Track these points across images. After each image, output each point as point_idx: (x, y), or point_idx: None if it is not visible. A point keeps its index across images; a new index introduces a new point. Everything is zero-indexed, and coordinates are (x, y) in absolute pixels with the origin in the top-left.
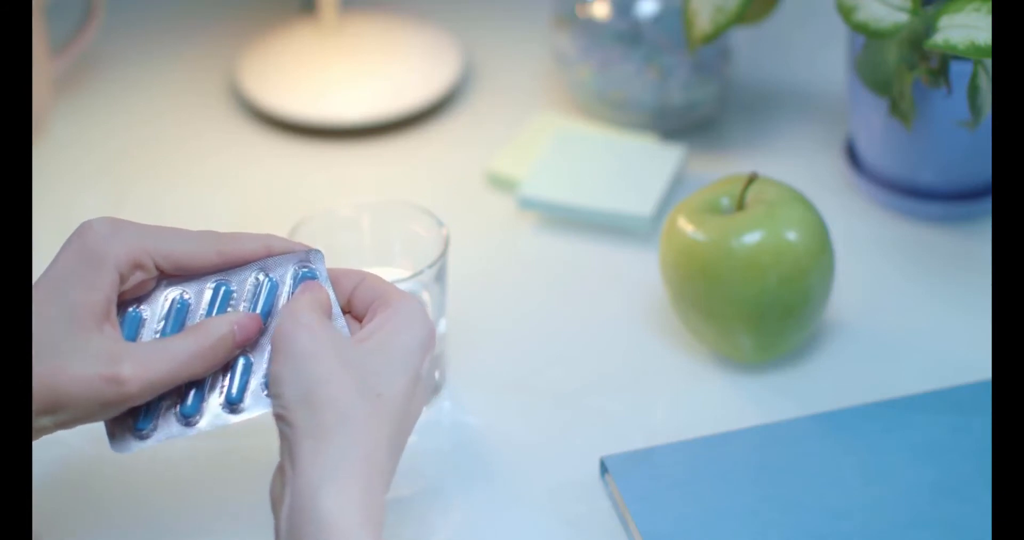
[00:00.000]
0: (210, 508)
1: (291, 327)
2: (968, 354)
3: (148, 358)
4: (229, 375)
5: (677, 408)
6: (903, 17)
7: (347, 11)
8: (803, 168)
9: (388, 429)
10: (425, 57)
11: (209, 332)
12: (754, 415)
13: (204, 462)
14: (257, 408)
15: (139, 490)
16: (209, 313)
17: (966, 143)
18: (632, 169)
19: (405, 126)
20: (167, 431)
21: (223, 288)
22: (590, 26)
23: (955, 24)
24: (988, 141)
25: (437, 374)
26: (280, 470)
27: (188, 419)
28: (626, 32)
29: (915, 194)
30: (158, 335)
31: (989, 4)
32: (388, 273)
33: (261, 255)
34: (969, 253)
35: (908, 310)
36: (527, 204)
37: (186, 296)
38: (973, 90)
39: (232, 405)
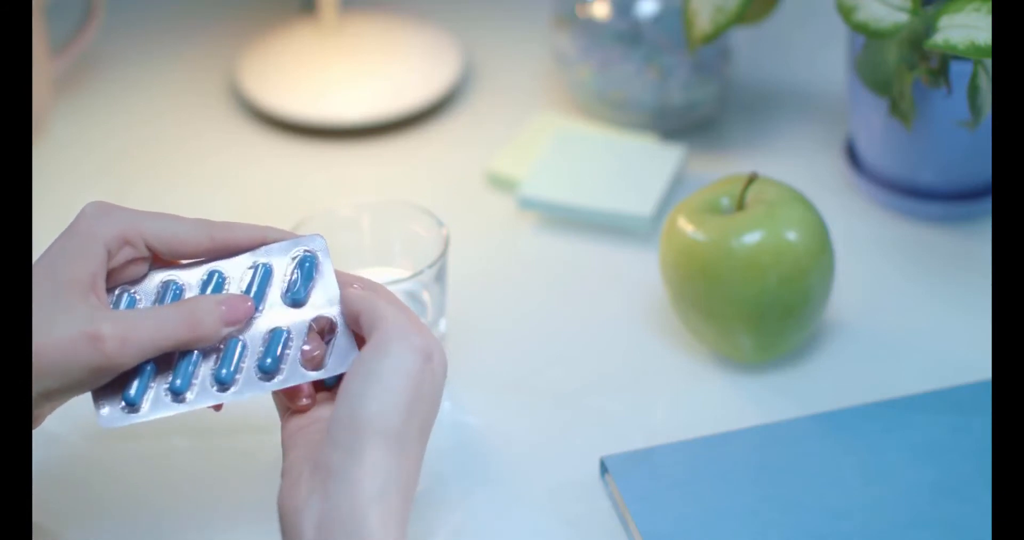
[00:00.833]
0: (210, 507)
1: (376, 354)
2: (968, 354)
3: (130, 320)
4: (222, 355)
5: (677, 408)
6: (903, 17)
7: (347, 11)
8: (803, 168)
9: (424, 448)
10: (425, 57)
11: (196, 303)
12: (754, 415)
13: (204, 461)
14: (248, 391)
15: (139, 490)
16: None
17: (966, 143)
18: (632, 169)
19: (405, 126)
20: (156, 406)
21: (216, 274)
22: (590, 26)
23: (955, 24)
24: (988, 141)
25: None
26: (303, 477)
27: (178, 395)
28: (626, 32)
29: (915, 194)
30: None
31: (989, 4)
32: (388, 273)
33: (256, 243)
34: (969, 253)
35: (908, 310)
36: (527, 204)
37: (179, 281)
38: (973, 90)
39: (222, 384)
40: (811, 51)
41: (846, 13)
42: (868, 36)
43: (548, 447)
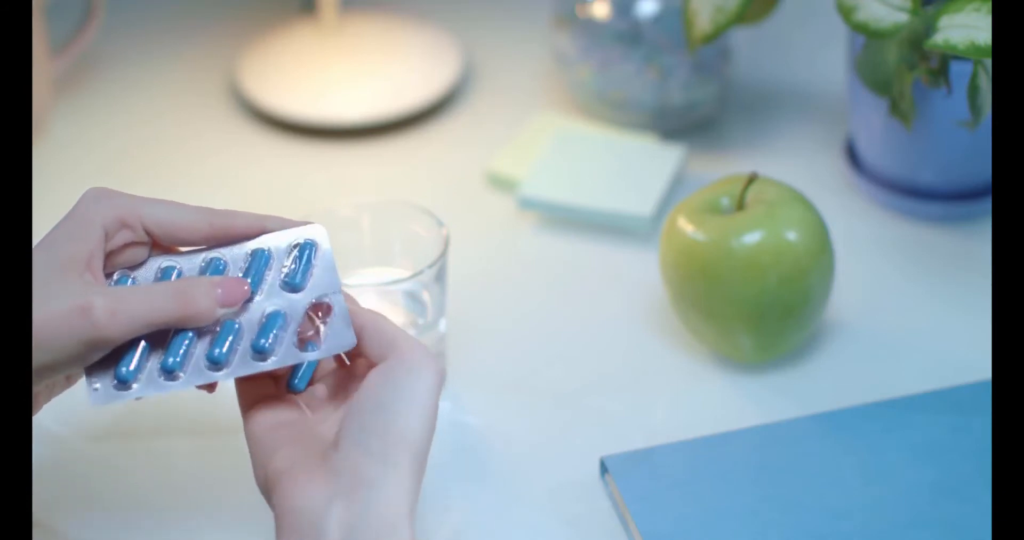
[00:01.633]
0: (210, 507)
1: (405, 370)
2: (968, 354)
3: (121, 294)
4: (217, 336)
5: (677, 408)
6: (903, 17)
7: (347, 11)
8: (803, 168)
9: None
10: (425, 57)
11: (190, 282)
12: (754, 415)
13: (204, 461)
14: (241, 370)
15: (139, 490)
16: None
17: (966, 143)
18: (632, 169)
19: (405, 126)
20: (148, 384)
21: (216, 261)
22: (590, 26)
23: (955, 24)
24: (988, 141)
25: None
26: (314, 479)
27: (170, 373)
28: (626, 32)
29: (915, 194)
30: None
31: (989, 4)
32: (388, 273)
33: (256, 232)
34: (969, 253)
35: (908, 310)
36: (527, 204)
37: (178, 267)
38: (973, 90)
39: (215, 364)
40: (811, 51)
41: (846, 13)
42: (868, 36)
43: (548, 447)
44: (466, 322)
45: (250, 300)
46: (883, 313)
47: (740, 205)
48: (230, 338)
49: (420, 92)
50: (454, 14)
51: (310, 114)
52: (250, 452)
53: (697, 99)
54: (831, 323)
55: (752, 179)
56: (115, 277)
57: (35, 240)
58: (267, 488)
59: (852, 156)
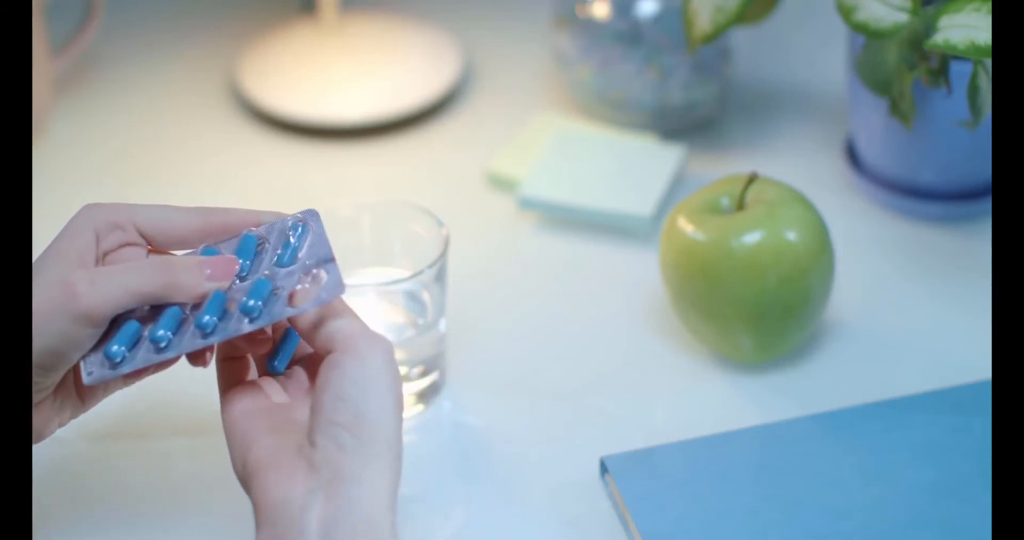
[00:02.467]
0: (210, 507)
1: (354, 359)
2: (968, 354)
3: (104, 269)
4: (205, 305)
5: (677, 408)
6: (903, 17)
7: (347, 11)
8: (803, 168)
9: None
10: (425, 57)
11: (176, 258)
12: (754, 415)
13: (204, 461)
14: (232, 330)
15: (139, 490)
16: None
17: (966, 143)
18: (632, 169)
19: (405, 126)
20: (139, 357)
21: (209, 249)
22: (590, 26)
23: (955, 24)
24: (988, 141)
25: (437, 374)
26: (297, 472)
27: (159, 344)
28: (626, 32)
29: (915, 194)
30: None
31: (989, 4)
32: (388, 273)
33: (251, 224)
34: (969, 253)
35: (908, 310)
36: (527, 204)
37: None
38: (973, 90)
39: (204, 331)
40: (811, 51)
41: (846, 13)
42: (868, 36)
43: (548, 447)
44: (466, 322)
45: (243, 280)
46: (883, 313)
47: (740, 205)
48: (219, 306)
49: (420, 92)
50: (454, 14)
51: (310, 114)
52: (227, 439)
53: (697, 99)
54: (831, 323)
55: (752, 179)
56: None
57: (35, 237)
58: (245, 478)
59: (852, 156)
